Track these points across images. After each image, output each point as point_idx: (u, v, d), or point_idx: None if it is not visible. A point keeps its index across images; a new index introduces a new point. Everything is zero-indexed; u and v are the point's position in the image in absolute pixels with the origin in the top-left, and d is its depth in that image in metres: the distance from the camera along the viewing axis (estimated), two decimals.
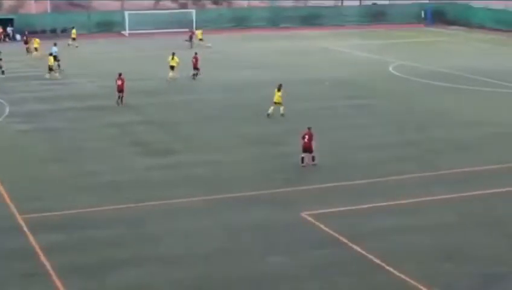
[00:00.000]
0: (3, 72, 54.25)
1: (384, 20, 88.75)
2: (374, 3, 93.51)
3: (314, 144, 31.75)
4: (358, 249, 22.99)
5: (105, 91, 47.56)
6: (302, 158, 31.75)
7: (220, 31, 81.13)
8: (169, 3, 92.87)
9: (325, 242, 23.73)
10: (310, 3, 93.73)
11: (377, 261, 22.10)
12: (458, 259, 22.36)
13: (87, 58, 64.28)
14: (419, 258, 22.39)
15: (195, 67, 52.49)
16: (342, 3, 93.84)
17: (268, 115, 40.78)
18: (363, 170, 31.21)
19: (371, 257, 22.40)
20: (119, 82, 43.95)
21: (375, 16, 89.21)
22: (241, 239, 24.05)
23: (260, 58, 62.85)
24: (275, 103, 41.32)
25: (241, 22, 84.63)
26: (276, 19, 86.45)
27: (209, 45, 69.31)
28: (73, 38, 71.43)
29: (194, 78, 52.12)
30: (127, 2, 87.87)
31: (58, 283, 20.65)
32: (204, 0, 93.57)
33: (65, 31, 76.49)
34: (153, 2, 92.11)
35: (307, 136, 31.73)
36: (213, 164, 32.17)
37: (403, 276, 21.06)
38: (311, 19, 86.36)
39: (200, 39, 70.89)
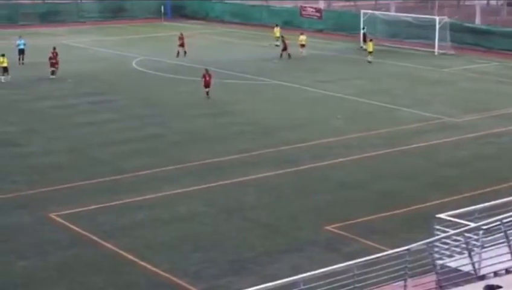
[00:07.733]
0: None
1: (125, 15, 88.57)
2: None
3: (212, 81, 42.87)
4: (111, 246, 23.03)
5: None
6: (207, 92, 42.99)
7: None
8: None
9: (76, 242, 23.51)
10: (48, 0, 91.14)
11: (130, 257, 22.27)
12: (206, 248, 23.07)
13: None
14: (171, 251, 22.88)
15: (284, 48, 58.47)
16: None
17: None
18: (110, 167, 31.16)
19: (124, 253, 22.54)
20: None
21: (116, 12, 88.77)
22: None
23: None
24: (301, 45, 58.23)
25: None
26: (14, 16, 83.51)
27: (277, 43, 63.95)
28: None
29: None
30: None
31: None
32: None
33: None
34: None
35: (207, 76, 42.76)
36: None
37: (155, 269, 21.42)
38: (50, 15, 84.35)
39: (277, 37, 64.51)
